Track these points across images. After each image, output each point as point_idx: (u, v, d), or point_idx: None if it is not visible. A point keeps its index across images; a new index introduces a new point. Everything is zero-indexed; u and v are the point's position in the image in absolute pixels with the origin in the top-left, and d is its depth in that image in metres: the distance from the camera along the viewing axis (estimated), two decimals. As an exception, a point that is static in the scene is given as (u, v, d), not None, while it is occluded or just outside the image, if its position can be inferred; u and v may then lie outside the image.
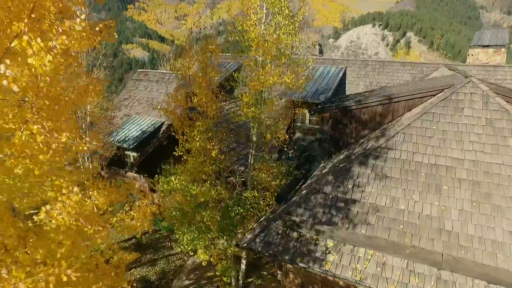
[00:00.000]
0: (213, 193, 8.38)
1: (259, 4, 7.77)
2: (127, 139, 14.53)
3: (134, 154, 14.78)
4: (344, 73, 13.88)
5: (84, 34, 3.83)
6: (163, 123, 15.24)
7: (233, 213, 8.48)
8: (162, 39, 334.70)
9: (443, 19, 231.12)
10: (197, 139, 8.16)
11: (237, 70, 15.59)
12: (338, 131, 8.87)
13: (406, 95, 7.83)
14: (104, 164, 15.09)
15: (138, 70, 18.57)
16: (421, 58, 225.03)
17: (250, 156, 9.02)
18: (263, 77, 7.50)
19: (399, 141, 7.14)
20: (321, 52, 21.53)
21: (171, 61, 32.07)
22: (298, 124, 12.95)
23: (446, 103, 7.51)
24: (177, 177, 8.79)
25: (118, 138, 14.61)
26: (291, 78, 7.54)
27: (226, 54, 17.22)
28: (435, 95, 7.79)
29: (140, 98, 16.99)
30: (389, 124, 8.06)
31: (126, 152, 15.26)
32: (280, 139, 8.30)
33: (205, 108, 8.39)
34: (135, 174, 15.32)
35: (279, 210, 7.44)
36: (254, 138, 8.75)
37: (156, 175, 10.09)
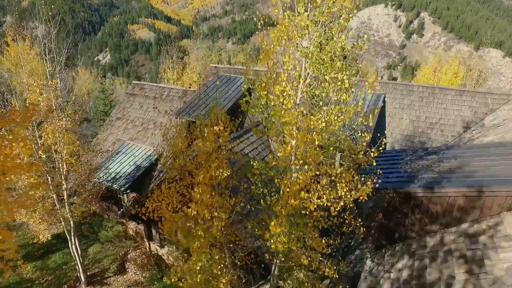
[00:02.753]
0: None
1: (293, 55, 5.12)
2: (118, 177, 12.20)
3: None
4: (383, 102, 11.21)
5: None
6: (161, 154, 12.83)
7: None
8: (168, 19, 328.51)
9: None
10: (197, 271, 5.57)
11: (251, 89, 12.98)
12: (394, 220, 6.42)
13: (507, 187, 5.30)
14: (92, 204, 12.85)
15: (133, 82, 16.03)
16: (434, 39, 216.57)
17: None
18: (304, 194, 4.77)
19: None
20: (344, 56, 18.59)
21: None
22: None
23: None
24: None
25: (107, 176, 12.28)
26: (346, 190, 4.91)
27: (235, 66, 14.54)
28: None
29: (134, 119, 14.54)
30: (476, 227, 5.56)
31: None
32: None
33: (207, 220, 5.69)
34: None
35: None
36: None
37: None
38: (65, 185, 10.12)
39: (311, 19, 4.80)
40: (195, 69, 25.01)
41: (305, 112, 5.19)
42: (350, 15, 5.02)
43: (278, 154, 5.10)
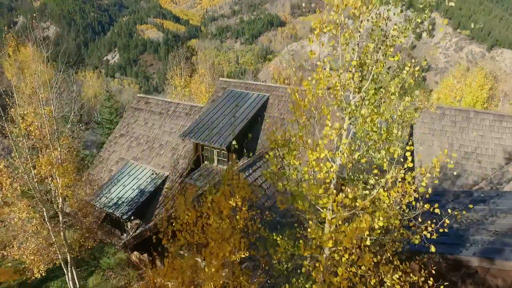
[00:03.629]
0: None
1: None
2: (120, 202, 11.34)
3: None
4: (411, 127, 10.15)
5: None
6: (166, 178, 11.96)
7: None
8: (176, 19, 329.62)
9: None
10: None
11: (264, 107, 12.00)
12: (439, 288, 5.41)
13: None
14: (91, 230, 11.98)
15: (138, 95, 15.19)
16: (445, 39, 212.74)
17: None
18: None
19: None
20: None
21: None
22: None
23: None
24: None
25: (108, 201, 11.43)
26: None
27: (247, 81, 13.56)
28: None
29: (138, 136, 13.68)
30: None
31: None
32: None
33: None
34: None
35: None
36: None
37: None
38: (61, 217, 9.29)
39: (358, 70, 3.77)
40: (203, 77, 24.12)
41: (347, 192, 4.09)
42: (417, 70, 3.98)
43: (310, 236, 4.09)
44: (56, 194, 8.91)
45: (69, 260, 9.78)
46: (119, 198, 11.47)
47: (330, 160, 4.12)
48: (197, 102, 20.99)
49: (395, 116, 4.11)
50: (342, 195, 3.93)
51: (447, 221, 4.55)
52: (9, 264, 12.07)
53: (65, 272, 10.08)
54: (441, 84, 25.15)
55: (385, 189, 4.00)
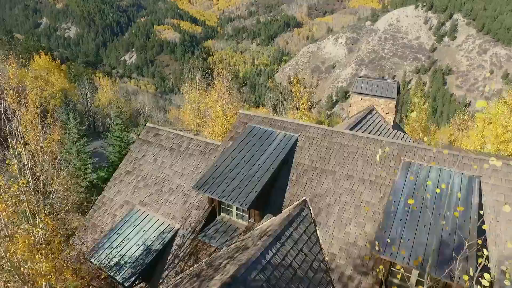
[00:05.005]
0: None
1: None
2: (122, 262, 9.70)
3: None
4: (479, 191, 8.08)
5: None
6: (176, 232, 10.26)
7: None
8: (193, 20, 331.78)
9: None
10: None
11: (292, 151, 10.15)
12: None
13: None
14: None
15: (147, 125, 13.57)
16: (468, 42, 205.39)
17: None
18: None
19: None
20: (398, 90, 15.46)
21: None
22: None
23: None
24: None
25: (108, 260, 9.81)
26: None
27: (271, 116, 11.70)
28: None
29: (146, 176, 12.04)
30: None
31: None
32: None
33: None
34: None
35: None
36: None
37: None
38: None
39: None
40: (220, 91, 22.43)
41: None
42: None
43: None
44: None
45: None
46: (121, 257, 9.85)
47: None
48: (213, 126, 19.29)
49: None
50: None
51: None
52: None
53: None
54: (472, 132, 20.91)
55: None
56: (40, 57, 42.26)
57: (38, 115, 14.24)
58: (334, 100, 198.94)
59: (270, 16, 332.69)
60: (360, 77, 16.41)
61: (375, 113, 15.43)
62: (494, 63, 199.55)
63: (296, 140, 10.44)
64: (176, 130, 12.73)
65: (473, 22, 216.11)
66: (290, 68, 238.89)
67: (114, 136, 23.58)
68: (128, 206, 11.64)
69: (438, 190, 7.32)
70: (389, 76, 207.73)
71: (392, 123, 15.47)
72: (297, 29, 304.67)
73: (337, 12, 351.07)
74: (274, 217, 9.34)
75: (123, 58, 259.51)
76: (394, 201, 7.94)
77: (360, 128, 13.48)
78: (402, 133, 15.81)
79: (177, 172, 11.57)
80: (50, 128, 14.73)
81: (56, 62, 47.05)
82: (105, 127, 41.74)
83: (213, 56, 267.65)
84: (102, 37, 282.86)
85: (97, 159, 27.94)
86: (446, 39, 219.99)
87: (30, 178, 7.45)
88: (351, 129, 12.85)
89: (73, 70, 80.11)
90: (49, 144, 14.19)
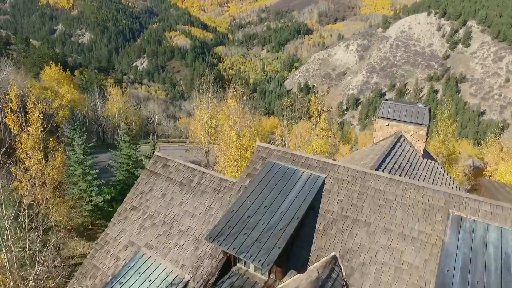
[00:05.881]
0: None
1: None
2: (124, 321, 8.55)
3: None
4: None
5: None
6: (186, 285, 9.05)
7: None
8: (204, 26, 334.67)
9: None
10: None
11: (319, 194, 8.90)
12: None
13: None
14: None
15: (155, 154, 12.47)
16: (482, 49, 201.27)
17: None
18: None
19: None
20: (430, 116, 14.07)
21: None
22: None
23: None
24: None
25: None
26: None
27: (294, 151, 10.45)
28: None
29: (153, 214, 10.90)
30: None
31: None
32: None
33: None
34: None
35: None
36: None
37: None
38: None
39: None
40: (233, 108, 21.30)
41: None
42: None
43: None
44: None
45: None
46: (124, 314, 8.71)
47: None
48: (226, 149, 18.06)
49: None
50: None
51: None
52: None
53: None
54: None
55: None
56: (50, 67, 41.97)
57: (40, 139, 13.30)
58: (345, 108, 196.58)
59: (281, 23, 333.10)
60: (386, 100, 15.09)
61: (404, 140, 14.08)
62: (511, 70, 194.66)
63: (323, 182, 9.18)
64: (187, 161, 11.58)
65: (488, 29, 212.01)
66: (300, 74, 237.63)
67: (122, 154, 22.63)
68: (133, 248, 10.51)
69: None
70: (400, 83, 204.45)
71: (422, 151, 14.09)
72: (308, 36, 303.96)
73: (347, 19, 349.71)
74: (299, 276, 8.06)
75: (134, 64, 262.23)
76: (447, 271, 6.60)
77: (390, 160, 12.14)
78: (447, 176, 14.34)
79: (187, 212, 10.40)
80: (53, 153, 13.79)
81: (66, 73, 46.74)
82: (114, 138, 41.07)
83: (224, 62, 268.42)
84: (114, 43, 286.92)
85: (104, 175, 27.08)
86: (459, 46, 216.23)
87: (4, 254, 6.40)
88: (381, 163, 11.55)
89: (85, 76, 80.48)
90: (49, 172, 13.22)
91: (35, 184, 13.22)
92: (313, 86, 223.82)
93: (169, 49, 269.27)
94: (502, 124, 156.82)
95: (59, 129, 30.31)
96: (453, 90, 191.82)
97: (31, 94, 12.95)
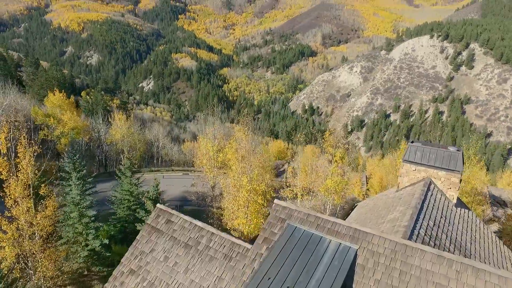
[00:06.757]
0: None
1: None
2: None
3: None
4: None
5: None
6: None
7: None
8: (210, 48, 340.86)
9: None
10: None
11: (351, 270, 7.44)
12: None
13: None
14: None
15: (158, 206, 11.12)
16: (486, 71, 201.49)
17: None
18: None
19: None
20: (463, 161, 12.67)
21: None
22: None
23: None
24: None
25: None
26: None
27: (318, 214, 9.03)
28: None
29: (154, 281, 9.42)
30: None
31: None
32: None
33: None
34: None
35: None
36: None
37: None
38: None
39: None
40: (242, 143, 20.06)
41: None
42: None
43: None
44: None
45: None
46: None
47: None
48: (236, 194, 16.66)
49: None
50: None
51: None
52: None
53: None
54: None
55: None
56: (54, 94, 41.51)
57: (29, 187, 12.03)
58: (350, 129, 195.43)
59: (285, 45, 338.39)
60: (412, 142, 13.75)
61: (434, 188, 12.62)
62: None
63: (355, 255, 7.71)
64: (194, 220, 10.16)
65: (490, 51, 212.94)
66: (304, 96, 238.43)
67: (123, 190, 21.30)
68: (129, 325, 8.97)
69: None
70: (405, 104, 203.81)
71: (455, 201, 12.60)
72: (312, 58, 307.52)
73: (351, 41, 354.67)
74: None
75: (140, 84, 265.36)
76: None
77: (424, 217, 10.67)
78: (486, 230, 12.83)
79: (193, 282, 8.92)
80: (43, 202, 12.49)
81: (70, 99, 46.22)
82: (116, 165, 39.83)
83: (229, 83, 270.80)
84: (122, 64, 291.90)
85: (105, 208, 25.68)
86: (463, 68, 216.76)
87: None
88: (415, 221, 10.07)
89: (91, 97, 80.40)
90: (39, 222, 11.87)
91: (22, 236, 11.86)
92: (318, 108, 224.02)
93: (175, 70, 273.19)
94: (509, 146, 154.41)
95: (60, 158, 29.16)
96: (459, 112, 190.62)
97: (22, 136, 11.76)
